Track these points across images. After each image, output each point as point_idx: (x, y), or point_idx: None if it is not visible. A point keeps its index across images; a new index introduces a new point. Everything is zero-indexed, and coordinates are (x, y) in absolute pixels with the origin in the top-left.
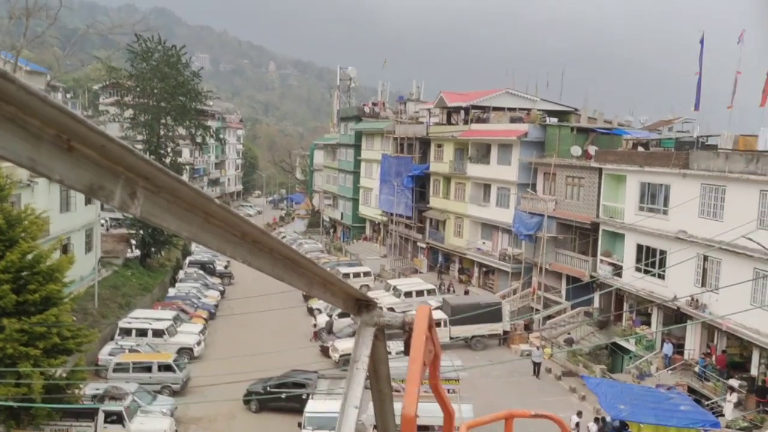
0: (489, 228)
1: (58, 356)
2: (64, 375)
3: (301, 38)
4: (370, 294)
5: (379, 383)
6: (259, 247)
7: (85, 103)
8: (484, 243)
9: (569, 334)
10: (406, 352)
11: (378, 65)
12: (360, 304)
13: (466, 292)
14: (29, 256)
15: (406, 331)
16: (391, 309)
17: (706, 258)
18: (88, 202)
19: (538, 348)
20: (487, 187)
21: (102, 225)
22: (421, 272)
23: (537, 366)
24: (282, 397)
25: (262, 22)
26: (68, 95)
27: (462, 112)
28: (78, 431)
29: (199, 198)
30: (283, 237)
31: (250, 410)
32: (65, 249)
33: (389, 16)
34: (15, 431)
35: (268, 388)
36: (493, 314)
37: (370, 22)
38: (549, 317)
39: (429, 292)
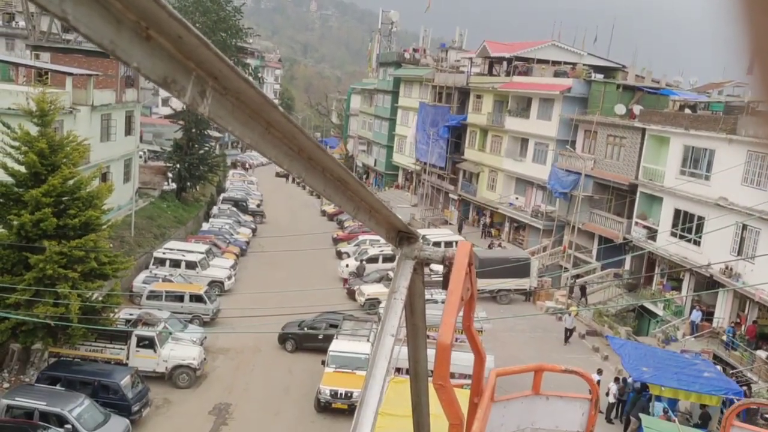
0: (523, 183)
1: (95, 280)
2: (100, 299)
3: None
4: None
5: (414, 316)
6: (314, 165)
7: None
8: (517, 198)
9: (586, 283)
10: (445, 285)
11: (421, 10)
12: (402, 236)
13: (490, 246)
14: (70, 182)
15: (446, 265)
16: None
17: (744, 227)
18: (127, 132)
19: (570, 314)
20: (524, 142)
21: (140, 156)
22: (451, 223)
23: (569, 332)
24: (319, 337)
25: None
26: None
27: (504, 63)
28: (111, 353)
29: (263, 104)
30: None
31: (285, 349)
32: (104, 177)
33: None
34: (52, 348)
35: (306, 329)
36: (521, 269)
37: None
38: (578, 276)
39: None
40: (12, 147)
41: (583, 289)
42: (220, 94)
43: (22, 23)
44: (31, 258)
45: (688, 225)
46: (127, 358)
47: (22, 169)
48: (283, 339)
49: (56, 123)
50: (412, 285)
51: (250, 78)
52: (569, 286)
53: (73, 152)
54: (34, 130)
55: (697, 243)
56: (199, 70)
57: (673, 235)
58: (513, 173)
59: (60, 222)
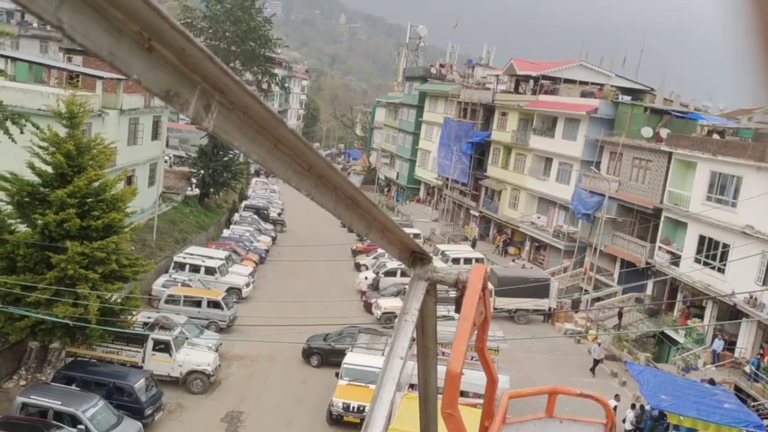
0: (545, 203)
1: (115, 282)
2: (119, 301)
3: None
4: None
5: (426, 338)
6: (325, 182)
7: None
8: (539, 217)
9: (622, 309)
10: (458, 309)
11: (449, 26)
12: (415, 257)
13: (514, 260)
14: (95, 184)
15: (459, 288)
16: None
17: None
18: (154, 137)
19: (599, 344)
20: (548, 161)
21: (165, 161)
22: (470, 240)
23: (596, 363)
24: (345, 352)
25: None
26: None
27: (531, 81)
28: (127, 355)
29: (271, 120)
30: None
31: (310, 364)
32: (129, 180)
33: None
34: (69, 348)
35: (332, 344)
36: (540, 289)
37: None
38: (598, 299)
39: (478, 260)
40: (40, 147)
41: (620, 314)
42: (226, 109)
43: None
44: (54, 257)
45: (712, 252)
46: (143, 361)
47: (49, 169)
48: (308, 353)
49: (85, 125)
50: (424, 306)
51: (257, 93)
52: (588, 308)
53: (100, 155)
54: (62, 132)
55: (721, 271)
56: (205, 84)
57: (697, 261)
58: (536, 192)
59: (83, 223)
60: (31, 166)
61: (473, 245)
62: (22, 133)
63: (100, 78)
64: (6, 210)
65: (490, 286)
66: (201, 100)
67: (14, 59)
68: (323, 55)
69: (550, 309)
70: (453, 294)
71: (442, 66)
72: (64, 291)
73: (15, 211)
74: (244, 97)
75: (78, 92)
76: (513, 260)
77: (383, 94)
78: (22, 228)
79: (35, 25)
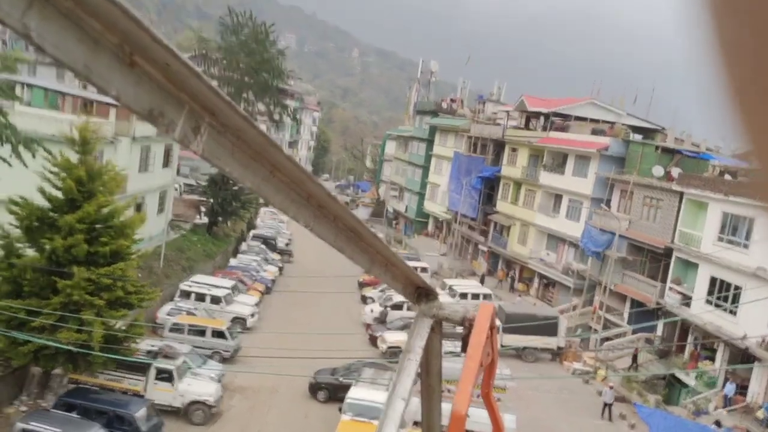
0: (555, 239)
1: (120, 309)
2: (123, 328)
3: (388, 28)
4: None
5: (430, 377)
6: (324, 213)
7: None
8: (548, 254)
9: (637, 349)
10: (464, 349)
11: (460, 62)
12: (420, 293)
13: (520, 296)
14: (105, 210)
15: (466, 327)
16: None
17: None
18: (165, 165)
19: (611, 387)
20: (558, 198)
21: (175, 189)
22: (478, 275)
23: (607, 407)
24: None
25: (351, 8)
26: None
27: (542, 118)
28: (130, 383)
29: (267, 146)
30: None
31: (317, 399)
32: (139, 207)
33: (479, 16)
34: (72, 375)
35: (340, 379)
36: (548, 327)
37: (459, 20)
38: (607, 339)
39: (485, 296)
40: (51, 173)
41: (635, 356)
42: (217, 132)
43: None
44: (60, 283)
45: (724, 294)
46: (145, 390)
47: (59, 194)
48: (315, 388)
49: (97, 152)
50: (429, 344)
51: (248, 117)
52: (597, 349)
53: (111, 181)
54: (74, 158)
55: (733, 313)
56: (194, 104)
57: (708, 302)
58: (545, 229)
59: (91, 249)
60: (42, 191)
61: (482, 281)
62: (34, 157)
63: (114, 106)
64: (15, 234)
65: (497, 323)
66: (189, 121)
67: (30, 86)
68: (335, 88)
69: (558, 348)
70: (459, 330)
71: (453, 101)
72: (68, 317)
73: (23, 236)
74: (237, 120)
75: (91, 119)
76: (519, 296)
77: (394, 127)
78: (30, 252)
79: None
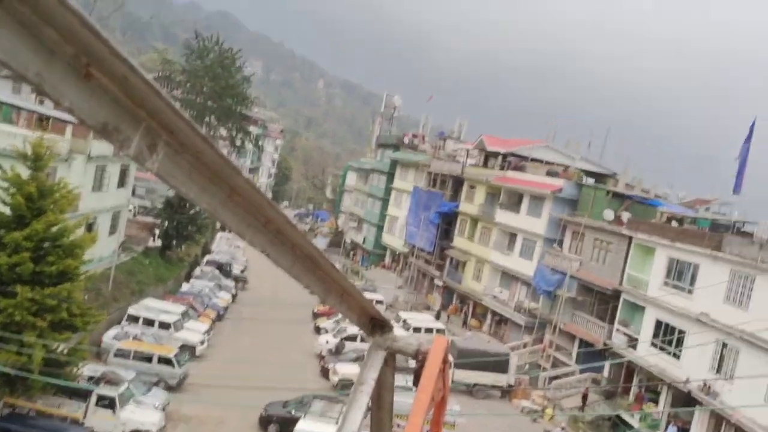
0: (508, 277)
1: (64, 332)
2: (66, 351)
3: (354, 61)
4: None
5: (381, 411)
6: (282, 239)
7: None
8: (501, 291)
9: (588, 389)
10: (416, 382)
11: (423, 99)
12: (374, 324)
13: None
14: (54, 229)
15: (419, 360)
16: None
17: (725, 345)
18: (120, 185)
19: (562, 428)
20: (513, 236)
21: (129, 210)
22: (432, 309)
23: None
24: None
25: (318, 39)
26: None
27: (500, 157)
28: (69, 410)
29: (226, 168)
30: None
31: None
32: (90, 227)
33: (442, 56)
34: (7, 399)
35: (293, 412)
36: (499, 364)
37: (423, 59)
38: (555, 377)
39: (439, 331)
40: (0, 188)
41: (585, 396)
42: (174, 151)
43: None
44: (1, 301)
45: (668, 337)
46: (84, 417)
47: (7, 210)
48: (266, 421)
49: (50, 169)
50: (382, 377)
51: (211, 140)
52: (545, 388)
53: (62, 199)
54: (26, 174)
55: (676, 356)
56: (151, 121)
57: (653, 345)
58: (499, 266)
59: (37, 268)
60: None
61: (437, 316)
62: None
63: (71, 123)
64: None
65: (450, 359)
66: (145, 139)
67: None
68: (300, 117)
69: (508, 385)
70: (411, 365)
71: (414, 136)
72: (8, 338)
73: None
74: (196, 141)
75: (46, 135)
76: (470, 331)
77: (356, 159)
78: None
79: None
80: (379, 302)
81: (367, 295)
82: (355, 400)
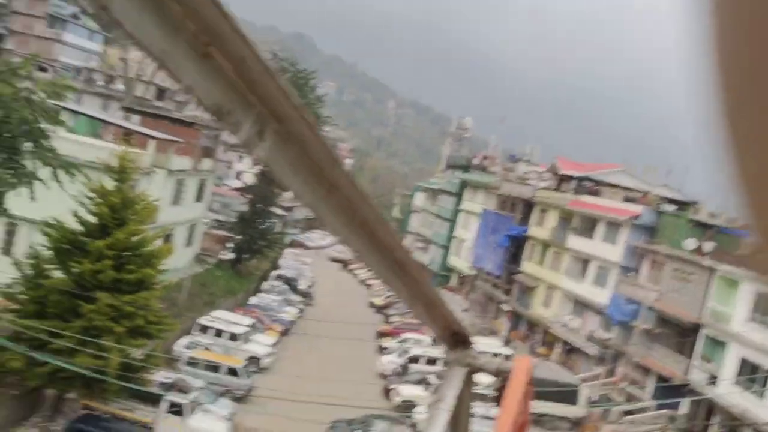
0: (580, 305)
1: (139, 338)
2: (140, 357)
3: (425, 82)
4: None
5: (458, 429)
6: (375, 242)
7: None
8: (572, 319)
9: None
10: (498, 401)
11: (493, 122)
12: (456, 339)
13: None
14: (134, 238)
15: (501, 379)
16: None
17: None
18: (197, 199)
19: None
20: (585, 263)
21: (205, 224)
22: (498, 335)
23: None
24: None
25: (391, 61)
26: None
27: (573, 181)
28: (141, 414)
29: (331, 161)
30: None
31: None
32: (167, 239)
33: (517, 75)
34: (85, 401)
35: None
36: (568, 395)
37: (497, 78)
38: (629, 412)
39: (506, 357)
40: (87, 197)
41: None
42: (282, 140)
43: (120, 87)
44: (83, 307)
45: (754, 376)
46: (155, 423)
47: (93, 219)
48: None
49: (132, 181)
50: (461, 395)
51: (316, 127)
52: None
53: (143, 210)
54: (111, 185)
55: (761, 396)
56: (262, 107)
57: (737, 384)
58: (571, 293)
59: (117, 276)
60: (76, 215)
61: (507, 342)
62: (72, 182)
63: (154, 138)
64: (45, 255)
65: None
66: (255, 125)
67: (75, 112)
68: (369, 137)
69: (578, 417)
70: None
71: (485, 157)
72: (88, 341)
73: (53, 257)
74: (304, 129)
75: (131, 149)
76: (536, 359)
77: (424, 180)
78: (58, 274)
79: (100, 83)
80: None
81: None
82: (434, 417)
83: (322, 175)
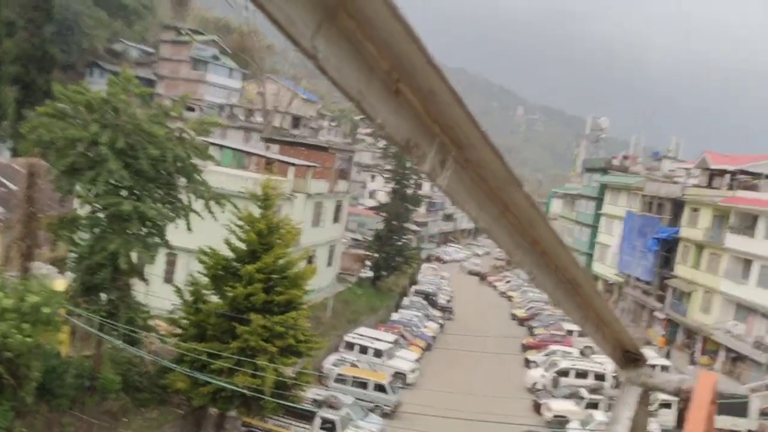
0: (744, 309)
1: (291, 356)
2: (293, 375)
3: (555, 86)
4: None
5: None
6: (548, 262)
7: (347, 131)
8: (736, 325)
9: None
10: (679, 424)
11: (633, 119)
12: (628, 357)
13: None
14: (281, 261)
15: (682, 399)
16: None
17: None
18: (335, 220)
19: None
20: (747, 263)
21: (343, 243)
22: (653, 344)
23: None
24: None
25: (515, 68)
26: (333, 123)
27: (726, 176)
28: (296, 430)
29: (507, 181)
30: (508, 281)
31: None
32: (310, 260)
33: (653, 70)
34: (245, 418)
35: None
36: (737, 407)
37: (631, 76)
38: None
39: (663, 368)
40: (237, 226)
41: None
42: (460, 167)
43: (259, 119)
44: (239, 328)
45: None
46: None
47: (243, 246)
48: None
49: (276, 207)
50: (636, 417)
51: (497, 149)
52: None
53: (287, 234)
54: (256, 213)
55: None
56: (444, 136)
57: None
58: (732, 297)
59: (267, 298)
60: (228, 243)
61: (667, 354)
62: (222, 212)
63: (293, 165)
64: (202, 282)
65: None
66: (438, 155)
67: (221, 146)
68: (500, 146)
69: (748, 431)
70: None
71: (625, 158)
72: (244, 361)
73: (210, 283)
74: (483, 153)
75: (272, 177)
76: (697, 368)
77: (559, 185)
78: (214, 299)
79: (241, 117)
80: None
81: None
82: None
83: (495, 196)
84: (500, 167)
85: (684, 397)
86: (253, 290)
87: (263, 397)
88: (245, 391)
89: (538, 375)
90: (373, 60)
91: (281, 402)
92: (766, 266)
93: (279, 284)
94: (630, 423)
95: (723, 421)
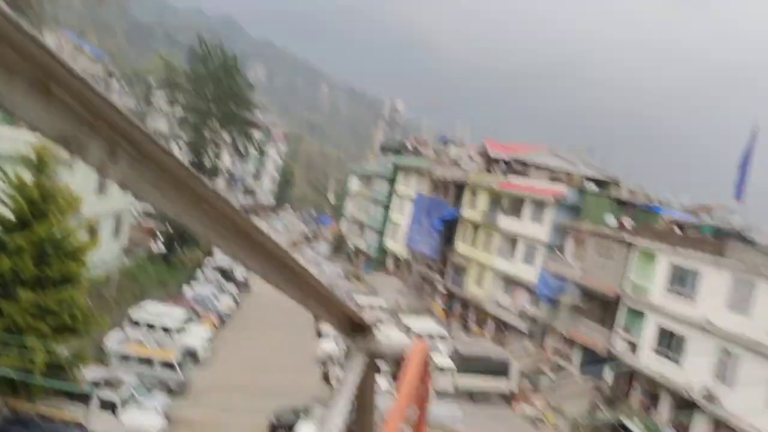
0: (511, 283)
1: (66, 335)
2: (68, 355)
3: (358, 67)
4: (381, 327)
5: (363, 415)
6: (252, 245)
7: (140, 94)
8: (503, 297)
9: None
10: (398, 387)
11: (427, 103)
12: (355, 327)
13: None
14: (56, 232)
15: (399, 365)
16: None
17: (727, 351)
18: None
19: None
20: (515, 242)
21: (134, 215)
22: (435, 315)
23: None
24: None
25: (322, 45)
26: (124, 84)
27: (502, 163)
28: (70, 413)
29: (189, 176)
30: (306, 257)
31: None
32: (92, 231)
33: (448, 57)
34: (10, 402)
35: (302, 418)
36: (500, 370)
37: (429, 61)
38: (557, 383)
39: (441, 337)
40: (4, 192)
41: (595, 404)
42: (135, 160)
43: None
44: (4, 305)
45: (669, 343)
46: (86, 420)
47: (11, 216)
48: (276, 429)
49: (53, 173)
50: (364, 381)
51: (167, 146)
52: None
53: (64, 203)
54: (29, 178)
55: (677, 362)
56: (111, 132)
57: (656, 352)
58: (501, 272)
59: (39, 272)
60: None
61: (445, 323)
62: None
63: None
64: None
65: (448, 364)
66: (103, 148)
67: None
68: (303, 122)
69: (510, 391)
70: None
71: (417, 141)
72: (11, 342)
73: None
74: (156, 149)
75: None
76: (470, 336)
77: (359, 164)
78: None
79: None
80: (381, 307)
81: (369, 300)
82: (336, 404)
83: (185, 188)
84: (177, 165)
85: (402, 364)
86: (22, 262)
87: (32, 379)
88: (11, 374)
89: (328, 346)
90: (15, 63)
91: (54, 384)
92: (530, 245)
93: (53, 257)
94: (354, 387)
95: (488, 382)
